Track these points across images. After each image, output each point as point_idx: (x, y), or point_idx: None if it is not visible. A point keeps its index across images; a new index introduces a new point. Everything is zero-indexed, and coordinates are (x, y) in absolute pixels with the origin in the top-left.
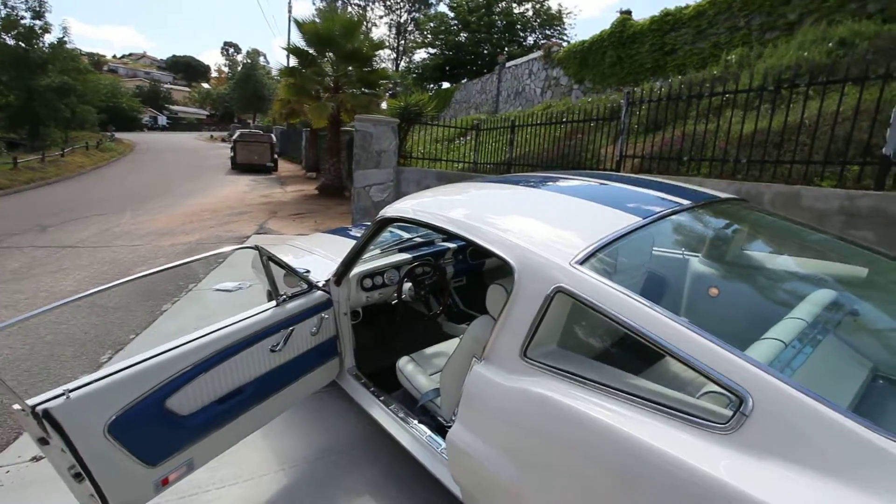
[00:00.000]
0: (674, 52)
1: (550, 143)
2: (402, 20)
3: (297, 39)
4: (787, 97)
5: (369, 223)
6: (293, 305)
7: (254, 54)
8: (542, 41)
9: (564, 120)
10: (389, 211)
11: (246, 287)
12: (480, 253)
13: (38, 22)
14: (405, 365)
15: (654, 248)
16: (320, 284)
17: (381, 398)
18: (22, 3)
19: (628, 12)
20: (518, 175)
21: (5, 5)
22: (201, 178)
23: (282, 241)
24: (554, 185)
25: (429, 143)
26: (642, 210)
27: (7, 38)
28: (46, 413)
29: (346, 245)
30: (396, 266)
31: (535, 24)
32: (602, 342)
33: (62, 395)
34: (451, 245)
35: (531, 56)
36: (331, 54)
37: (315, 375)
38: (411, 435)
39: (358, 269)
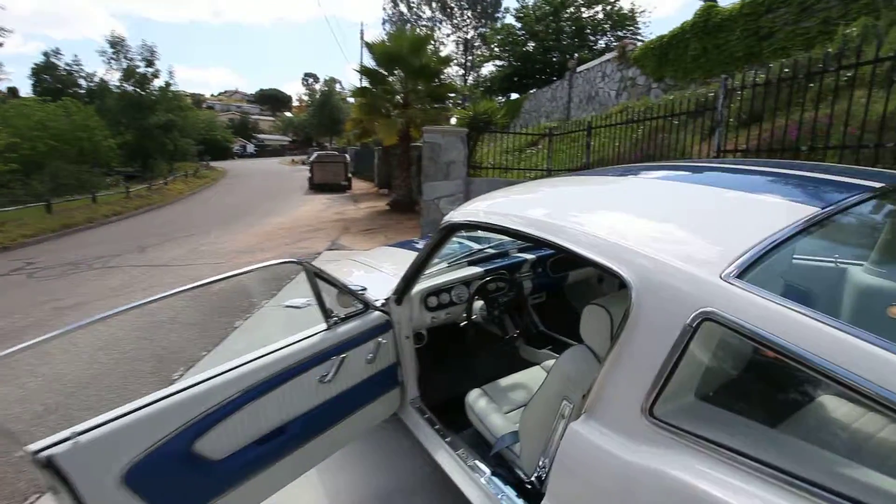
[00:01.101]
0: (771, 36)
1: (631, 146)
2: (468, 37)
3: (369, 61)
4: None
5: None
6: (346, 328)
7: (330, 82)
8: (614, 43)
9: (648, 117)
10: (456, 216)
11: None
12: (562, 264)
13: (149, 69)
14: (476, 400)
15: (840, 251)
16: (378, 304)
17: (448, 439)
18: (137, 53)
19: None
20: (607, 168)
21: (125, 57)
22: (280, 198)
23: (344, 255)
24: (662, 173)
25: (498, 154)
26: (815, 198)
27: (126, 86)
28: (50, 460)
29: (411, 258)
30: (466, 281)
31: (605, 26)
32: (774, 398)
33: (70, 438)
34: (529, 256)
35: (604, 58)
36: (399, 71)
37: (372, 409)
38: (482, 490)
39: (422, 286)
